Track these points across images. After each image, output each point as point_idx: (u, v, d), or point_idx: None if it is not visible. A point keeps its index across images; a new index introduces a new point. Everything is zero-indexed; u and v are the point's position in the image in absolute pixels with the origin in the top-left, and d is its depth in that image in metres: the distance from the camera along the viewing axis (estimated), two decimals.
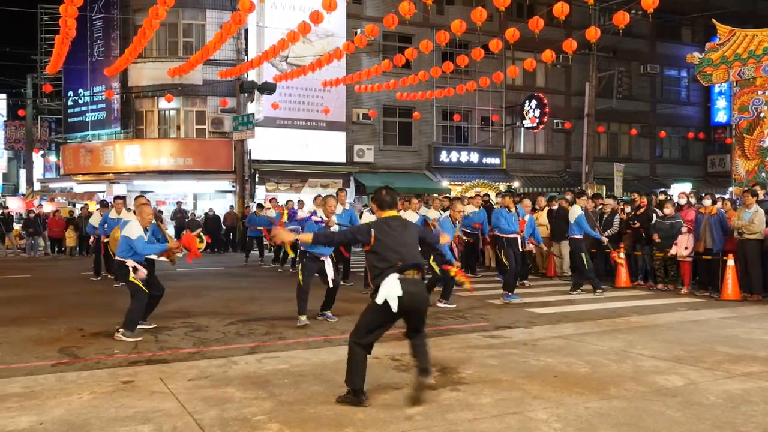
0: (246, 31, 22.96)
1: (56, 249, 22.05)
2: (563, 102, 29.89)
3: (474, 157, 27.54)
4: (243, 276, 14.41)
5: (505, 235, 10.32)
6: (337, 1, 12.09)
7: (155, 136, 24.75)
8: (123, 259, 7.40)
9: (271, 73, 22.11)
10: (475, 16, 11.96)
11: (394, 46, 25.29)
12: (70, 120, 27.22)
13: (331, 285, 8.24)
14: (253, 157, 23.53)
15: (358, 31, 21.57)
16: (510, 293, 10.08)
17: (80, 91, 26.21)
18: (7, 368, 5.94)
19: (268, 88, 21.58)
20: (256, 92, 22.03)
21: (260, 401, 4.76)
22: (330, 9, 11.85)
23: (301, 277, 8.14)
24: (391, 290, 4.60)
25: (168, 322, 8.21)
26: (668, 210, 11.53)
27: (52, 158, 34.03)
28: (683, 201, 12.52)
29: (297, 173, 24.21)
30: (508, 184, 26.50)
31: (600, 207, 12.96)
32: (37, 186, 30.73)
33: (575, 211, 11.24)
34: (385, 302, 4.61)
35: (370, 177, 24.84)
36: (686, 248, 11.18)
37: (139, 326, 7.47)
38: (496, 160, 27.93)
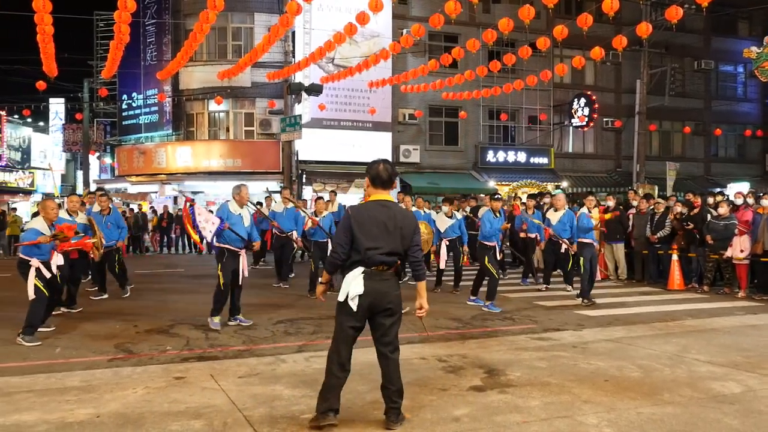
0: (293, 33, 23.21)
1: None
2: (613, 100, 29.24)
3: (521, 157, 27.18)
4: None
5: (488, 243, 9.54)
6: (383, 1, 12.09)
7: (205, 137, 25.30)
8: (27, 258, 7.09)
9: (317, 74, 22.32)
10: (523, 14, 11.81)
11: (440, 46, 25.18)
12: (124, 123, 28.08)
13: (239, 282, 7.95)
14: (300, 158, 23.77)
15: (404, 31, 21.56)
16: (476, 298, 9.83)
17: (134, 94, 26.99)
18: (66, 362, 6.18)
19: (314, 90, 21.76)
20: (303, 94, 22.23)
21: (308, 399, 4.80)
22: (376, 10, 11.87)
23: (222, 280, 7.78)
24: (351, 287, 4.15)
25: None
26: (722, 210, 11.14)
27: (108, 160, 35.20)
28: (740, 201, 12.09)
29: (343, 173, 24.34)
30: (556, 184, 26.07)
31: (652, 207, 12.68)
32: (93, 187, 31.74)
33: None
34: (346, 300, 4.19)
35: (416, 177, 24.80)
36: (742, 250, 10.80)
37: (39, 329, 7.21)
38: (544, 160, 27.51)
